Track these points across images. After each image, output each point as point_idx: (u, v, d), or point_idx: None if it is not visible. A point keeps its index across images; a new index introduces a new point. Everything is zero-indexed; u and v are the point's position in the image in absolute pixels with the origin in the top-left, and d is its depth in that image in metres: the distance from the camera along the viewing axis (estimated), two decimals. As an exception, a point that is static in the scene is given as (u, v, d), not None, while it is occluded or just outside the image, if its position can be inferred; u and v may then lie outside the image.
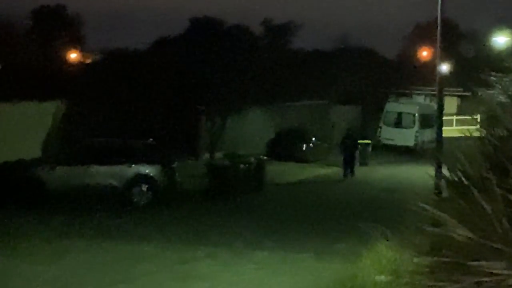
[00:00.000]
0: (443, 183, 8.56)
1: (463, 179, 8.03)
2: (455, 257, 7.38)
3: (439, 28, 19.97)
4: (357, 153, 37.47)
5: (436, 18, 20.66)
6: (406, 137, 46.83)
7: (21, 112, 30.54)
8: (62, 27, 60.81)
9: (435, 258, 7.63)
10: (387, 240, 13.62)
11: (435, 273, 7.57)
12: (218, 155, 36.26)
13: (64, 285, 15.11)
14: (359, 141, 40.72)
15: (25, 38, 53.03)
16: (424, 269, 7.87)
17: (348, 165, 36.10)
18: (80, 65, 51.78)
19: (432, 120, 40.44)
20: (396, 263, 12.35)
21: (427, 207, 8.03)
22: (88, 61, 54.87)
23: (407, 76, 57.66)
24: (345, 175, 35.79)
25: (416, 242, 8.60)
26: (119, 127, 32.39)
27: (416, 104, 50.56)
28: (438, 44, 20.23)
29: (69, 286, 14.99)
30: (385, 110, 48.57)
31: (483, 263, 7.05)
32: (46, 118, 32.10)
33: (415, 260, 8.68)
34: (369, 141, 42.12)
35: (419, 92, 60.68)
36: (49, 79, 36.56)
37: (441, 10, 19.85)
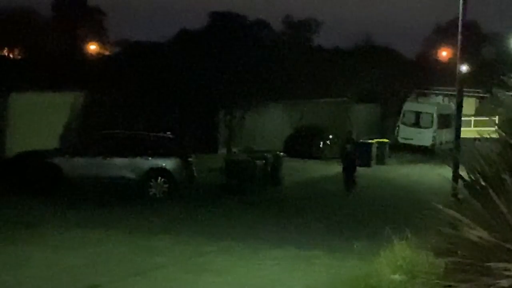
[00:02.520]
0: (460, 184, 8.57)
1: (481, 180, 8.03)
2: (471, 258, 7.38)
3: (460, 28, 19.90)
4: (357, 161, 31.84)
5: (457, 18, 20.59)
6: (423, 137, 46.70)
7: (40, 102, 30.66)
8: (83, 18, 61.02)
9: (451, 259, 7.65)
10: (404, 240, 13.62)
11: (451, 273, 7.58)
12: (236, 150, 36.29)
13: (80, 275, 15.18)
14: (377, 140, 40.68)
15: (46, 29, 53.25)
16: (439, 270, 7.88)
17: (350, 176, 30.57)
18: (99, 56, 51.97)
19: (450, 121, 40.42)
20: (412, 262, 12.34)
21: (444, 208, 8.04)
22: (108, 52, 55.07)
23: (427, 76, 57.50)
24: (347, 189, 30.10)
25: (432, 243, 8.61)
26: (138, 119, 32.48)
27: (434, 104, 50.45)
28: (459, 44, 20.15)
29: (85, 276, 15.04)
30: (403, 110, 48.45)
31: (499, 264, 7.06)
32: (65, 108, 32.20)
33: (431, 260, 8.69)
34: (387, 140, 42.04)
35: (438, 92, 60.54)
36: (68, 70, 36.70)
37: (462, 11, 19.79)
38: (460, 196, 8.43)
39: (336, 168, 37.16)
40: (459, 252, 7.56)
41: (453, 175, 14.66)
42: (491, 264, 7.08)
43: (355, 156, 31.48)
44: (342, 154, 32.06)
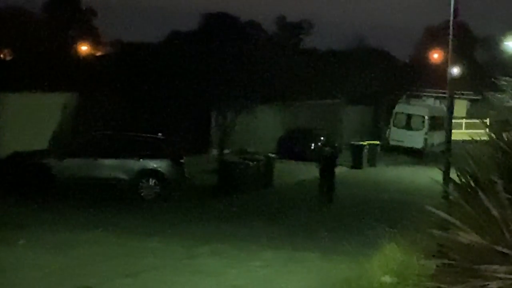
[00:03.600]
0: (451, 186, 8.59)
1: (471, 182, 8.05)
2: (462, 260, 7.40)
3: (451, 31, 19.97)
4: (337, 164, 28.76)
5: (448, 21, 20.66)
6: (415, 139, 46.77)
7: (31, 102, 30.60)
8: (75, 19, 60.93)
9: (442, 261, 7.66)
10: (394, 242, 13.64)
11: (441, 275, 7.59)
12: (228, 151, 36.29)
13: (71, 275, 15.15)
14: (368, 142, 40.70)
15: (37, 28, 53.13)
16: (430, 272, 7.89)
17: (326, 182, 27.74)
18: (91, 57, 51.88)
19: (442, 123, 40.49)
20: (402, 264, 12.36)
21: (435, 210, 8.05)
22: (100, 53, 54.99)
23: (418, 78, 57.61)
24: (322, 197, 27.51)
25: (423, 245, 8.63)
26: (129, 120, 32.45)
27: (426, 106, 50.55)
28: (450, 47, 20.22)
29: (76, 277, 15.02)
30: (394, 112, 48.52)
31: (490, 267, 7.07)
32: (56, 109, 32.14)
33: (422, 262, 8.71)
34: (378, 142, 42.10)
35: (429, 94, 60.65)
36: (60, 71, 36.62)
37: (453, 13, 19.85)
38: (450, 198, 8.45)
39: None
40: (449, 254, 7.57)
41: (444, 177, 14.71)
42: (482, 266, 7.09)
43: (334, 160, 28.31)
44: (319, 158, 28.82)
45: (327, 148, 29.22)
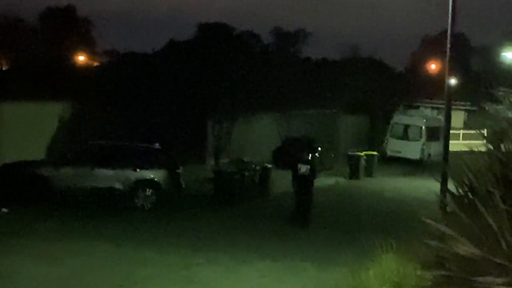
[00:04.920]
0: (448, 197, 8.55)
1: (469, 193, 8.01)
2: (459, 271, 7.35)
3: (448, 41, 19.95)
4: (313, 184, 24.56)
5: (445, 31, 20.66)
6: (412, 149, 46.75)
7: (27, 112, 30.58)
8: (71, 28, 60.96)
9: (439, 272, 7.61)
10: (391, 252, 13.60)
11: (438, 287, 7.55)
12: (224, 161, 36.25)
13: (67, 285, 15.12)
14: (365, 152, 40.65)
15: (33, 38, 53.15)
16: (427, 283, 7.85)
17: (302, 204, 24.23)
18: (88, 67, 51.89)
19: (439, 133, 40.50)
20: (399, 275, 12.33)
21: (432, 221, 8.02)
22: (96, 63, 55.01)
23: (415, 88, 57.65)
24: (295, 219, 24.02)
25: (420, 255, 8.58)
26: (125, 130, 32.42)
27: (423, 116, 50.55)
28: (447, 58, 20.21)
29: (72, 287, 14.97)
30: (392, 122, 48.54)
31: (487, 278, 7.03)
32: (52, 119, 32.12)
33: (419, 273, 8.67)
34: (376, 153, 42.06)
35: (426, 104, 60.72)
36: (56, 80, 36.60)
37: (451, 24, 19.84)
38: (448, 209, 8.41)
39: (324, 180, 37.19)
40: (446, 265, 7.53)
41: (441, 188, 14.67)
42: (479, 278, 7.05)
43: (311, 179, 24.45)
44: (293, 175, 24.63)
45: (302, 165, 24.31)
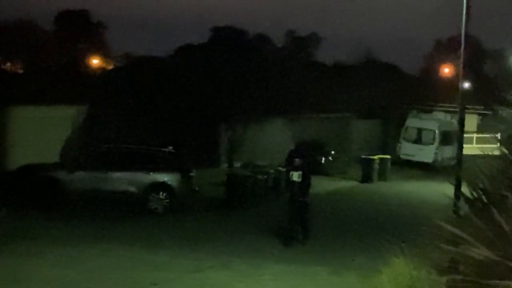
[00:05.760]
0: (461, 201, 8.54)
1: (483, 197, 8.00)
2: (473, 275, 7.34)
3: (462, 44, 19.92)
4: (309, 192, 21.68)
5: (458, 35, 20.64)
6: (425, 153, 46.62)
7: (42, 115, 30.67)
8: (85, 32, 61.11)
9: (453, 276, 7.60)
10: (405, 256, 13.56)
11: (453, 291, 7.54)
12: (237, 164, 36.26)
13: (78, 289, 15.16)
14: (379, 156, 40.56)
15: (48, 42, 53.34)
16: (441, 287, 7.84)
17: (297, 217, 21.41)
18: (102, 70, 52.01)
19: (452, 137, 40.39)
20: (412, 279, 12.29)
21: (445, 224, 8.00)
22: (110, 67, 55.13)
23: (429, 92, 57.52)
24: (290, 236, 21.27)
25: (433, 259, 8.57)
26: (139, 133, 32.47)
27: (436, 120, 50.40)
28: (461, 62, 20.17)
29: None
30: (405, 126, 48.41)
31: (501, 282, 7.02)
32: (66, 122, 32.22)
33: (432, 277, 8.65)
34: (389, 156, 42.00)
35: (439, 108, 60.56)
36: (70, 84, 36.74)
37: (464, 27, 19.82)
38: (461, 213, 8.40)
39: (338, 184, 37.16)
40: (460, 269, 7.52)
41: (455, 192, 14.65)
42: (493, 281, 7.04)
43: (305, 186, 21.51)
44: (287, 183, 22.83)
45: (294, 172, 21.47)
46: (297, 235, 21.38)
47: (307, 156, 23.94)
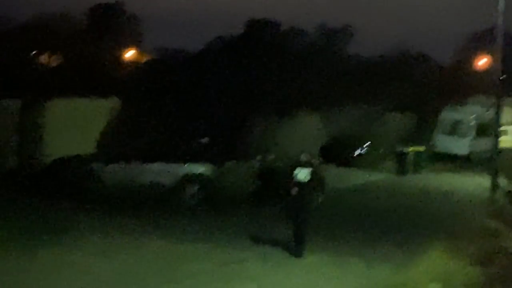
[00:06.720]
0: (498, 192, 8.48)
1: (521, 189, 7.93)
2: (509, 267, 7.29)
3: (499, 35, 19.75)
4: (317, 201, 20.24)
5: (495, 25, 20.46)
6: (461, 145, 46.29)
7: (77, 108, 30.84)
8: (120, 24, 61.30)
9: (490, 269, 7.55)
10: (440, 248, 13.50)
11: (490, 283, 7.49)
12: (272, 157, 36.23)
13: (113, 281, 15.22)
14: (413, 148, 40.34)
15: (83, 34, 53.56)
16: (477, 280, 7.79)
17: (296, 226, 18.18)
18: (136, 63, 52.15)
19: (488, 129, 40.06)
20: (448, 272, 12.21)
21: (482, 217, 7.95)
22: (145, 59, 55.27)
23: (464, 83, 57.05)
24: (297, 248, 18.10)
25: (470, 252, 8.50)
26: (174, 125, 32.55)
27: (472, 112, 50.01)
28: (499, 53, 20.01)
29: (118, 283, 15.08)
30: (440, 118, 48.11)
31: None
32: (101, 114, 32.36)
33: (468, 269, 8.58)
34: (423, 149, 41.75)
35: (475, 100, 60.08)
36: (105, 76, 36.89)
37: (502, 18, 19.63)
38: (498, 205, 8.33)
39: (372, 176, 37.02)
40: (498, 262, 7.46)
41: (492, 184, 14.55)
42: (531, 274, 6.97)
43: (312, 184, 18.17)
44: (287, 187, 18.21)
45: (301, 169, 17.99)
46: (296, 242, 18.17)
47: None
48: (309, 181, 17.82)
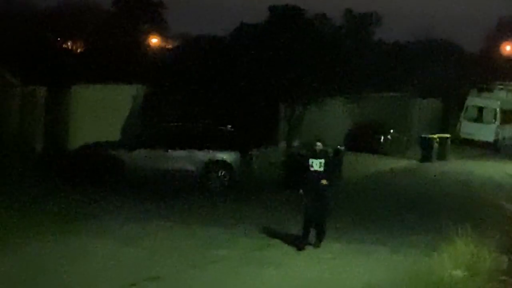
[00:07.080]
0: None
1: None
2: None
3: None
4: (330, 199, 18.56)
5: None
6: (486, 132, 46.10)
7: (103, 94, 30.93)
8: (145, 11, 61.38)
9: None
10: (466, 236, 13.47)
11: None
12: (296, 144, 36.22)
13: (140, 266, 15.31)
14: (438, 135, 40.18)
15: (107, 21, 53.71)
16: (503, 266, 7.78)
17: (314, 214, 17.82)
18: (161, 50, 52.28)
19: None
20: (474, 259, 12.19)
21: (508, 204, 7.93)
22: (169, 46, 55.38)
23: (490, 70, 56.69)
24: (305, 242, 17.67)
25: (495, 239, 8.50)
26: (198, 112, 32.59)
27: (497, 99, 49.73)
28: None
29: (144, 268, 15.16)
30: (465, 105, 47.91)
31: None
32: (127, 101, 32.44)
33: (494, 256, 8.58)
34: (449, 135, 41.60)
35: (501, 87, 59.74)
36: (130, 63, 36.96)
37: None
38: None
39: (397, 163, 36.95)
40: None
41: (517, 171, 14.49)
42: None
43: (329, 175, 17.98)
44: (304, 181, 18.06)
45: (315, 160, 17.92)
46: (309, 237, 17.89)
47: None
48: (324, 170, 17.75)
